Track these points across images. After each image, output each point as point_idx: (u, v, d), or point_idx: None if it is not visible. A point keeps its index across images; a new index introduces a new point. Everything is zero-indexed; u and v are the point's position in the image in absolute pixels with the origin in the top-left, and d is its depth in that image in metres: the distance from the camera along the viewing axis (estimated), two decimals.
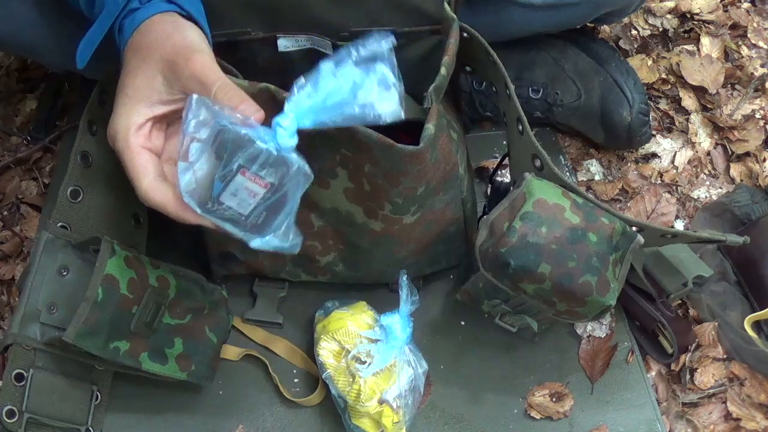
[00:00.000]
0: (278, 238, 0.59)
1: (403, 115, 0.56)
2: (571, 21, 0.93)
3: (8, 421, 0.70)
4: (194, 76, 0.57)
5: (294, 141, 0.56)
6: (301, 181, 0.57)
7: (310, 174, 0.58)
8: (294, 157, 0.57)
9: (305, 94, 0.55)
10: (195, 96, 0.56)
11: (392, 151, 0.66)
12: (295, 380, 0.85)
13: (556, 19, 0.91)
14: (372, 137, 0.65)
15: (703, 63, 1.12)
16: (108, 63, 0.77)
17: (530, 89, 0.99)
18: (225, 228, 0.58)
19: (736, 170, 1.04)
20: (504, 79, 0.75)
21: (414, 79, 0.62)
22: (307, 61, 0.81)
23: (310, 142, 0.69)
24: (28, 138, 1.04)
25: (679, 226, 1.00)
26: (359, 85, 0.54)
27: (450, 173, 0.74)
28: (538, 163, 0.74)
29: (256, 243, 0.59)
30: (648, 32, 1.18)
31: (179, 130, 0.57)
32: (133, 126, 0.58)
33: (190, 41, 0.60)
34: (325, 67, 0.55)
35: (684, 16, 1.19)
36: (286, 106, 0.56)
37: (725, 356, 0.89)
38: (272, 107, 0.67)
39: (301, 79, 0.56)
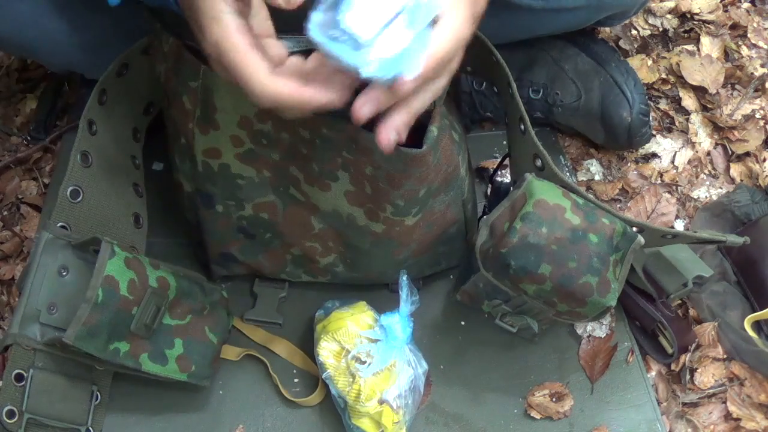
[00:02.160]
0: (396, 66, 0.51)
1: None
2: (572, 25, 0.93)
3: (8, 421, 0.70)
4: None
5: None
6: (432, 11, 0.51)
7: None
8: None
9: None
10: None
11: (394, 155, 0.65)
12: (295, 380, 0.85)
13: (557, 23, 0.91)
14: (374, 141, 0.65)
15: (703, 63, 1.12)
16: (108, 63, 0.77)
17: (530, 90, 0.99)
18: (338, 56, 0.50)
19: (736, 170, 1.04)
20: (507, 79, 0.75)
21: None
22: None
23: (311, 143, 0.69)
24: (28, 138, 1.04)
25: (679, 226, 1.00)
26: None
27: (451, 175, 0.74)
28: (539, 163, 0.74)
29: (367, 70, 0.50)
30: (648, 32, 1.18)
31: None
32: (232, 25, 0.53)
33: None
34: None
35: (684, 16, 1.19)
36: None
37: (725, 356, 0.89)
38: (271, 111, 0.67)
39: None
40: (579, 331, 0.89)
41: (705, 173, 1.05)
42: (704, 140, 1.07)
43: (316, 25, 0.51)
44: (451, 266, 0.89)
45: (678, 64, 1.12)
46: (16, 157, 1.01)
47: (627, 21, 1.13)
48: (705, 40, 1.15)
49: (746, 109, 1.09)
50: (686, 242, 0.81)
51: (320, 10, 0.51)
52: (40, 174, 1.01)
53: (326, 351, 0.80)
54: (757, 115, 1.09)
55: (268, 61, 0.54)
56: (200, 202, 0.77)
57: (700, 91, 1.11)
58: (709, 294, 0.91)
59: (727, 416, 0.86)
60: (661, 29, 1.18)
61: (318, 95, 0.53)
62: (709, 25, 1.18)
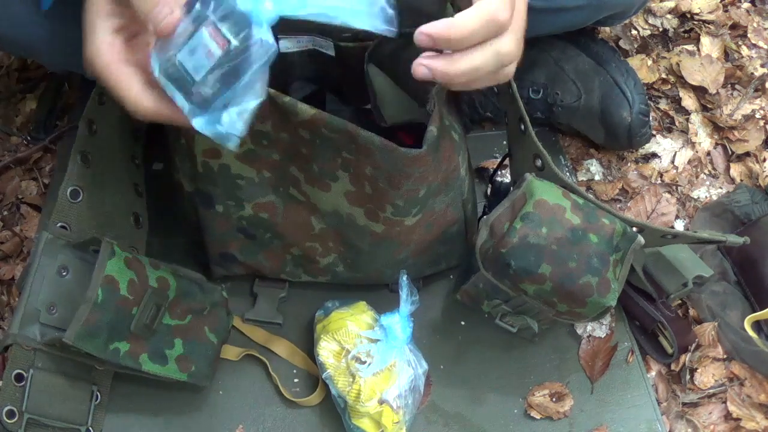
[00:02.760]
0: (222, 121, 0.52)
1: None
2: (572, 24, 0.93)
3: (8, 421, 0.69)
4: None
5: (270, 12, 0.51)
6: (262, 54, 0.51)
7: (276, 48, 0.51)
8: (262, 25, 0.51)
9: None
10: None
11: (394, 155, 0.65)
12: (295, 380, 0.85)
13: (558, 23, 0.91)
14: (374, 141, 0.65)
15: (703, 63, 1.12)
16: None
17: (530, 90, 0.99)
18: (174, 97, 0.53)
19: (736, 170, 1.04)
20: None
21: (416, 80, 0.62)
22: (308, 62, 0.81)
23: (311, 144, 0.69)
24: (28, 138, 1.04)
25: (679, 226, 1.00)
26: None
27: (451, 175, 0.74)
28: (539, 162, 0.74)
29: (198, 122, 0.53)
30: (648, 32, 1.18)
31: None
32: (104, 43, 0.56)
33: None
34: None
35: (684, 16, 1.19)
36: None
37: (725, 356, 0.89)
38: (272, 111, 0.67)
39: None
40: (579, 331, 0.89)
41: (705, 173, 1.05)
42: (704, 140, 1.07)
43: (157, 57, 0.52)
44: (451, 266, 0.89)
45: (678, 64, 1.12)
46: (16, 157, 1.01)
47: (627, 21, 1.13)
48: (705, 40, 1.15)
49: (746, 109, 1.09)
50: (686, 242, 0.81)
51: (164, 45, 0.52)
52: (40, 174, 1.01)
53: (326, 351, 0.80)
54: (757, 115, 1.09)
55: (143, 73, 0.55)
56: (200, 202, 0.77)
57: (700, 91, 1.11)
58: (709, 294, 0.91)
59: (727, 416, 0.86)
60: (661, 29, 1.18)
61: (178, 114, 0.54)
62: (709, 25, 1.18)
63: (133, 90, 0.55)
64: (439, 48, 0.55)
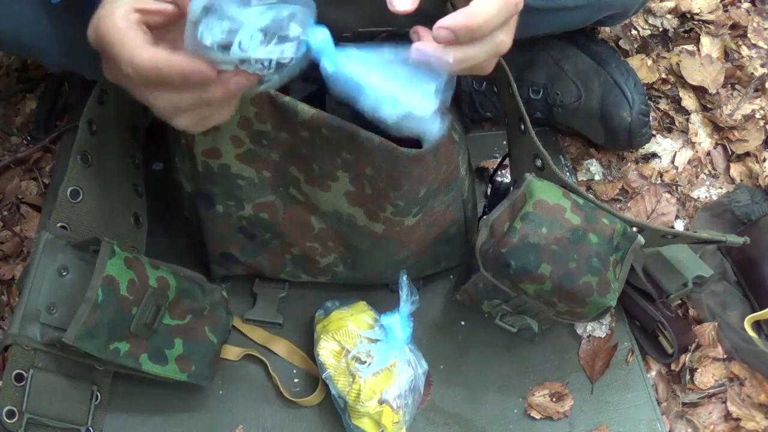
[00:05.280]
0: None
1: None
2: (573, 24, 0.93)
3: (8, 421, 0.70)
4: None
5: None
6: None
7: None
8: None
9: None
10: None
11: (394, 155, 0.65)
12: (295, 380, 0.85)
13: (558, 22, 0.91)
14: (374, 141, 0.65)
15: (703, 63, 1.12)
16: None
17: (530, 90, 0.99)
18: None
19: (736, 170, 1.04)
20: (507, 78, 0.75)
21: None
22: (308, 62, 0.81)
23: (311, 144, 0.69)
24: (28, 138, 1.04)
25: (679, 226, 1.00)
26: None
27: (451, 175, 0.74)
28: (539, 162, 0.74)
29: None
30: (648, 32, 1.18)
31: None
32: (121, 8, 0.51)
33: None
34: None
35: (684, 16, 1.19)
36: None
37: (725, 356, 0.89)
38: (272, 111, 0.67)
39: None
40: (579, 331, 0.89)
41: (705, 173, 1.05)
42: (704, 140, 1.07)
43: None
44: (451, 266, 0.89)
45: (678, 64, 1.12)
46: (16, 157, 1.01)
47: (627, 21, 1.13)
48: (705, 40, 1.15)
49: (746, 109, 1.09)
50: (686, 242, 0.81)
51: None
52: (40, 174, 1.01)
53: (326, 351, 0.80)
54: (757, 115, 1.09)
55: (150, 37, 0.52)
56: (200, 203, 0.77)
57: (700, 91, 1.11)
58: (709, 294, 0.91)
59: (727, 416, 0.86)
60: (661, 29, 1.18)
61: (188, 63, 0.50)
62: (709, 25, 1.18)
63: (137, 42, 0.51)
64: (459, 42, 0.55)
